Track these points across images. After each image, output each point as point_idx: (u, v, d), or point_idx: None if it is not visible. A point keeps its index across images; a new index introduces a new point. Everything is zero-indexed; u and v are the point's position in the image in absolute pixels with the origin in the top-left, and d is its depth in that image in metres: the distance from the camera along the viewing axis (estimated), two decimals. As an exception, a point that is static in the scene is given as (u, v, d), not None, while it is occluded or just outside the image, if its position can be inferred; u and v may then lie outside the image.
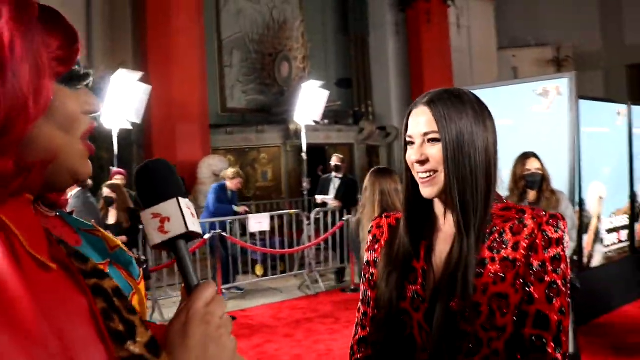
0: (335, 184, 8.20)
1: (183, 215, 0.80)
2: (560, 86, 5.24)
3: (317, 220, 8.03)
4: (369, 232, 1.55)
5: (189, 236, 0.81)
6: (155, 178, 0.83)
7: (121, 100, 8.30)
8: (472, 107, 1.31)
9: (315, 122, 10.56)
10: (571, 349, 3.54)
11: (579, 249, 5.26)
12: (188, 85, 11.54)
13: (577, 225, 3.99)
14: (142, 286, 0.87)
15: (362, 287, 1.54)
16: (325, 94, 10.08)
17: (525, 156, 3.86)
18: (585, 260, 5.52)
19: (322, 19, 17.18)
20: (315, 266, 7.93)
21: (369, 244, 1.53)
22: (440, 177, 1.28)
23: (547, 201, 3.74)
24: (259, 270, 8.02)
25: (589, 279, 5.14)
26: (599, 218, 5.81)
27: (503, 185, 3.80)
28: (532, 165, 3.79)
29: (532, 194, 3.82)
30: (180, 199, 0.82)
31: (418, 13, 17.16)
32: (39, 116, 0.66)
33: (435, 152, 1.28)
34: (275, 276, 7.79)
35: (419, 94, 1.40)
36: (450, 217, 1.34)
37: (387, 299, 1.36)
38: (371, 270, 1.50)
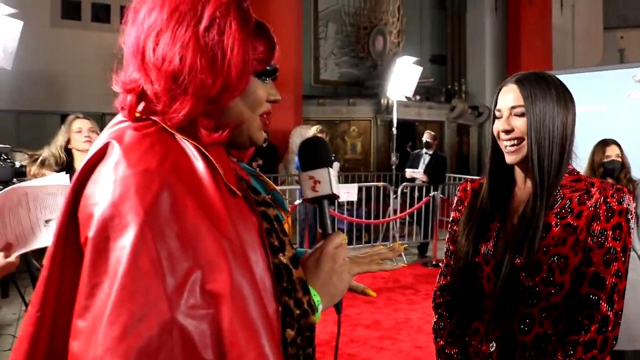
0: (425, 159, 8.26)
1: (330, 181, 1.12)
2: (663, 73, 5.06)
3: (403, 194, 8.17)
4: (456, 194, 1.78)
5: (331, 197, 1.13)
6: (316, 150, 1.15)
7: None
8: (555, 89, 1.49)
9: (407, 98, 10.58)
10: None
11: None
12: (284, 55, 11.41)
13: None
14: (289, 218, 1.15)
15: (446, 243, 1.77)
16: (419, 70, 10.06)
17: (605, 143, 3.67)
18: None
19: (420, -7, 16.97)
20: (399, 239, 8.12)
21: (454, 205, 1.76)
22: (523, 146, 1.48)
23: None
24: (344, 238, 8.24)
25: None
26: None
27: (579, 164, 3.74)
28: (612, 152, 3.62)
29: (609, 181, 3.65)
30: (330, 169, 1.13)
31: (519, -12, 16.56)
32: (238, 95, 0.95)
33: (520, 123, 1.48)
34: (359, 245, 8.00)
35: (515, 73, 1.59)
36: (526, 184, 1.55)
37: (464, 252, 1.59)
38: (454, 227, 1.73)
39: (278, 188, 1.10)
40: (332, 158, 5.59)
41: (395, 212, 8.07)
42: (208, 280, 0.79)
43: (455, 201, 1.76)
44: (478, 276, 1.57)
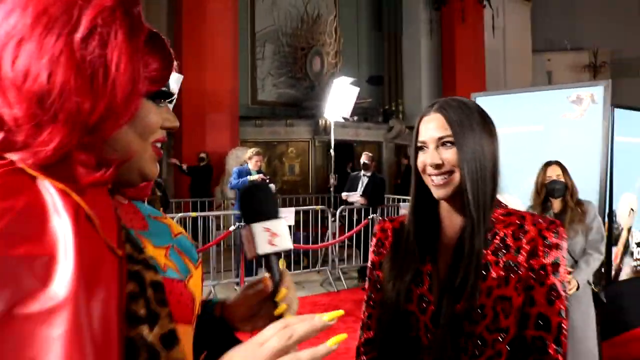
0: (363, 181, 8.16)
1: (289, 235, 0.96)
2: (595, 94, 5.09)
3: (342, 217, 8.03)
4: (374, 235, 1.58)
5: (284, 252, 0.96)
6: (266, 198, 0.96)
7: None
8: (478, 113, 1.37)
9: (344, 118, 10.52)
10: None
11: (607, 262, 5.15)
12: (220, 76, 11.60)
13: (605, 237, 3.82)
14: (199, 270, 0.96)
15: (366, 291, 1.56)
16: (356, 90, 10.02)
17: (548, 164, 3.70)
18: (613, 273, 5.41)
19: (356, 15, 17.15)
20: (339, 263, 7.94)
21: (373, 247, 1.56)
22: (455, 178, 1.33)
23: (572, 212, 3.56)
24: (281, 264, 8.04)
25: (616, 293, 5.04)
26: (629, 230, 5.68)
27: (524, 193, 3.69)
28: (553, 173, 3.64)
29: (556, 204, 3.64)
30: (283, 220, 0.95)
31: (453, 12, 17.00)
32: (125, 123, 0.76)
33: (449, 155, 1.33)
34: (297, 271, 7.78)
35: (451, 94, 1.43)
36: (455, 222, 1.40)
37: (394, 301, 1.39)
38: (375, 273, 1.53)
39: (213, 213, 0.89)
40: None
41: (334, 235, 7.90)
42: None
43: (374, 243, 1.56)
44: (413, 327, 1.39)
